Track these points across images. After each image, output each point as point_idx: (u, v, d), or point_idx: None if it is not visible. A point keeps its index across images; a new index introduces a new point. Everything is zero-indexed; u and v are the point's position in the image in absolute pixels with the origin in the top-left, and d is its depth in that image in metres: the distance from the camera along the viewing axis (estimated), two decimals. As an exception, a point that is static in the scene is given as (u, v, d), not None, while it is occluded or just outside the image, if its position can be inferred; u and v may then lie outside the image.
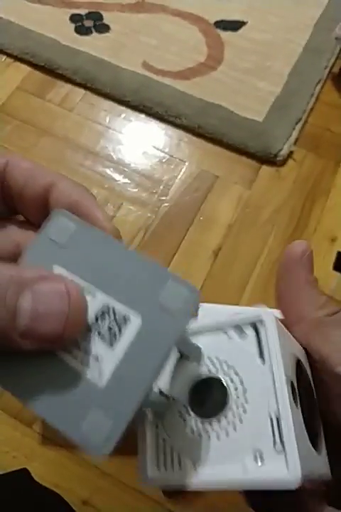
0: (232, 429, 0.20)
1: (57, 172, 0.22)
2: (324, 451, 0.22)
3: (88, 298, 0.18)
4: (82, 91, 1.09)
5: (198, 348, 0.21)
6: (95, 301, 0.18)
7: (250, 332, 0.21)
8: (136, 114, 1.06)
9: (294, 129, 1.01)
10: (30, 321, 0.15)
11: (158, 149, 1.01)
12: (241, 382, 0.20)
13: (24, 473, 0.55)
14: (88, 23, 1.18)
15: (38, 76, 1.11)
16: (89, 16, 1.19)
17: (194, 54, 1.13)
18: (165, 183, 0.97)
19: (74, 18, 1.19)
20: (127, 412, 0.17)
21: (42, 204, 0.22)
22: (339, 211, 0.93)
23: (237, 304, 0.81)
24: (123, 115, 1.06)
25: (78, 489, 0.70)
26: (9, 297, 0.15)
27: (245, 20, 1.19)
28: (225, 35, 1.16)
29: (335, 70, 1.11)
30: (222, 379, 0.20)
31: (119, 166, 0.99)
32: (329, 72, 1.11)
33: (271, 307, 0.23)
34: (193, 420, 0.20)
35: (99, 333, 0.18)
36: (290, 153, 0.99)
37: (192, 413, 0.20)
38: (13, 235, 0.22)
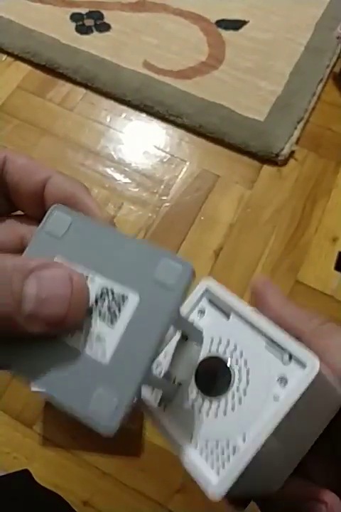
0: (230, 409, 0.20)
1: (51, 167, 0.22)
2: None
3: (88, 282, 0.19)
4: (82, 90, 1.09)
5: (199, 330, 0.21)
6: (94, 285, 0.19)
7: None
8: (137, 113, 1.05)
9: (295, 128, 1.00)
10: (35, 306, 0.15)
11: (158, 149, 1.01)
12: (245, 364, 0.20)
13: (25, 474, 0.55)
14: (89, 22, 1.18)
15: (39, 75, 1.11)
16: (90, 15, 1.19)
17: (195, 53, 1.12)
18: (166, 182, 0.97)
19: (74, 17, 1.18)
20: (131, 386, 0.17)
21: (38, 199, 0.22)
22: (341, 211, 0.93)
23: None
24: (124, 114, 1.06)
25: (78, 490, 0.70)
26: (14, 284, 0.15)
27: (246, 20, 1.18)
28: (226, 34, 1.16)
29: (337, 69, 1.11)
30: (228, 360, 0.21)
31: (120, 165, 0.99)
32: (331, 71, 1.11)
33: None
34: (197, 399, 0.21)
35: (99, 314, 0.19)
36: (292, 153, 0.99)
37: (195, 392, 0.21)
38: (18, 228, 0.23)
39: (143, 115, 1.05)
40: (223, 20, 1.18)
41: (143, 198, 0.95)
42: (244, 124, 1.00)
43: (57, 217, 0.21)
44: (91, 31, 1.16)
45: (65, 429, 0.73)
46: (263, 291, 0.23)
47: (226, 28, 1.17)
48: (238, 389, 0.20)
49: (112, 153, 1.01)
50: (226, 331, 0.22)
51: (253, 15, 1.19)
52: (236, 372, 0.20)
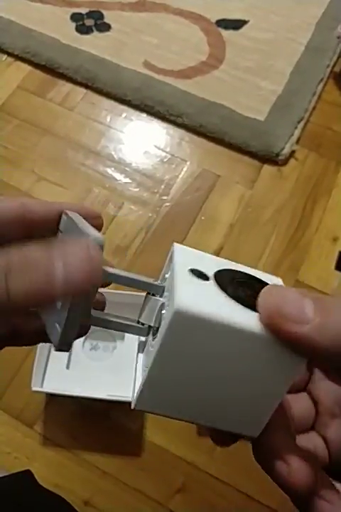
0: (153, 344, 0.23)
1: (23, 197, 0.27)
2: None
3: None
4: (83, 90, 1.09)
5: (161, 286, 0.24)
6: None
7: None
8: (137, 113, 1.05)
9: (296, 128, 1.00)
10: (64, 283, 0.19)
11: (159, 149, 1.01)
12: (164, 307, 0.23)
13: (27, 475, 0.55)
14: (89, 22, 1.18)
15: (39, 75, 1.11)
16: (90, 15, 1.19)
17: (195, 53, 1.12)
18: (167, 182, 0.97)
19: (75, 17, 1.19)
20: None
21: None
22: (341, 211, 0.93)
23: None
24: (124, 114, 1.06)
25: (79, 490, 0.70)
26: (43, 265, 0.18)
27: (247, 19, 1.18)
28: (227, 34, 1.16)
29: (337, 68, 1.11)
30: (164, 307, 0.24)
31: (120, 165, 0.99)
32: (331, 70, 1.11)
33: None
34: (151, 339, 0.24)
35: None
36: (292, 153, 0.99)
37: (151, 334, 0.24)
38: (17, 198, 0.26)
39: (144, 115, 1.05)
40: (223, 19, 1.18)
41: (143, 198, 0.95)
42: (244, 124, 1.00)
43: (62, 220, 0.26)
44: (92, 31, 1.16)
45: (65, 428, 0.74)
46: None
47: (226, 27, 1.17)
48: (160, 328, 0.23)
49: (113, 153, 1.01)
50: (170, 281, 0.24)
51: (253, 14, 1.19)
52: (163, 316, 0.23)
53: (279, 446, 0.22)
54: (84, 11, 1.20)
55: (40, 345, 0.72)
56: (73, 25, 1.17)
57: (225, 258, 0.24)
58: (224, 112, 1.02)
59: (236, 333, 0.20)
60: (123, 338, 0.78)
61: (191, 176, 0.98)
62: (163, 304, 0.24)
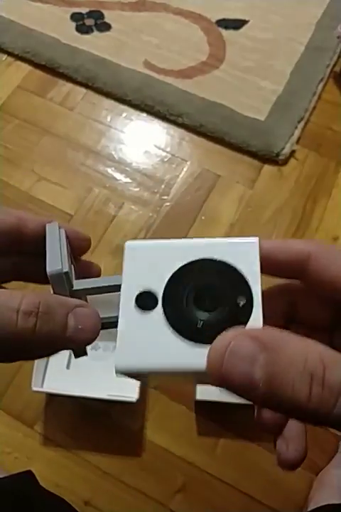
0: None
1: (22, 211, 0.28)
2: None
3: None
4: (83, 90, 1.09)
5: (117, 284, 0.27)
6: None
7: None
8: (138, 113, 1.05)
9: (296, 128, 1.00)
10: (73, 332, 0.23)
11: (159, 148, 1.01)
12: None
13: (29, 475, 0.55)
14: (89, 22, 1.18)
15: (39, 75, 1.11)
16: (90, 14, 1.19)
17: (195, 53, 1.12)
18: (167, 182, 0.97)
19: (75, 17, 1.18)
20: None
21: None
22: (342, 210, 0.93)
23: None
24: (124, 114, 1.06)
25: (79, 489, 0.70)
26: (60, 316, 0.22)
27: (247, 19, 1.18)
28: (227, 33, 1.16)
29: (337, 68, 1.11)
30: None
31: (121, 165, 0.99)
32: (332, 70, 1.11)
33: None
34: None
35: None
36: (292, 153, 0.99)
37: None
38: (14, 212, 0.28)
39: (144, 115, 1.05)
40: (223, 19, 1.18)
41: (143, 198, 0.95)
42: (244, 124, 1.00)
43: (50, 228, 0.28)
44: (92, 31, 1.16)
45: (65, 428, 0.74)
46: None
47: (226, 27, 1.17)
48: None
49: (113, 152, 1.01)
50: None
51: (253, 14, 1.19)
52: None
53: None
54: (84, 10, 1.20)
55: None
56: (73, 25, 1.17)
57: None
58: (225, 112, 1.02)
59: (179, 372, 0.22)
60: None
61: (191, 175, 0.98)
62: None
